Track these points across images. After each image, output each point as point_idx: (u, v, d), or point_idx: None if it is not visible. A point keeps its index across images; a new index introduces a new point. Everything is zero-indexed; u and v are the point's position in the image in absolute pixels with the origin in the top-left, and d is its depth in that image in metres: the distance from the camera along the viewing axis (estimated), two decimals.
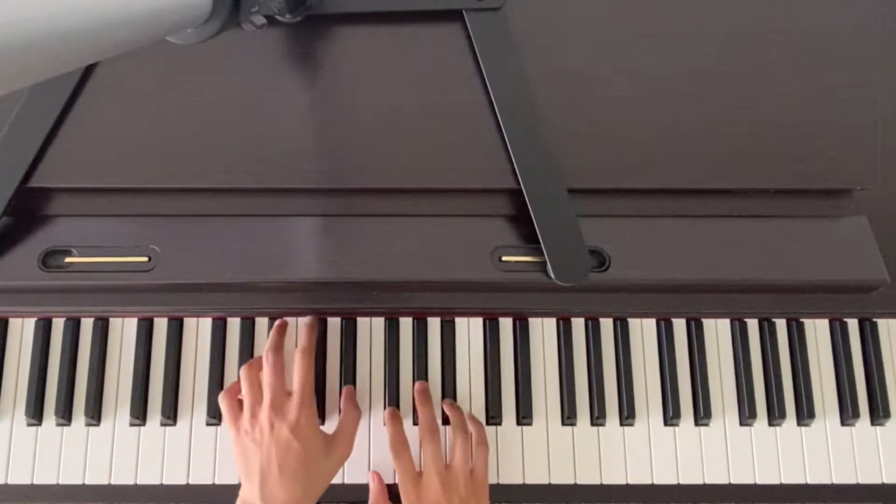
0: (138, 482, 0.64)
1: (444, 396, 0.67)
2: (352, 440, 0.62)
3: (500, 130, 0.60)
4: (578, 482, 0.66)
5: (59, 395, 0.65)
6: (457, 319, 0.69)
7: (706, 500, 0.66)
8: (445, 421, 0.66)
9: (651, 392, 0.68)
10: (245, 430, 0.59)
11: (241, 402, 0.62)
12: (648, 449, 0.67)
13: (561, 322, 0.69)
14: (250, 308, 0.66)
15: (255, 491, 0.56)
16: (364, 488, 0.65)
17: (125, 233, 0.61)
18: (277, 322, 0.66)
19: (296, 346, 0.63)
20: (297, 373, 0.61)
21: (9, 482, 0.64)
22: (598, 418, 0.67)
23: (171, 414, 0.65)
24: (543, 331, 0.69)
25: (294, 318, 0.68)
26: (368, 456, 0.66)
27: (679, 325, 0.69)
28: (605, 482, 0.66)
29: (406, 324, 0.68)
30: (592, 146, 0.61)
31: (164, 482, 0.64)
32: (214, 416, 0.65)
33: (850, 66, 0.62)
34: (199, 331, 0.68)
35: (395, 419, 0.65)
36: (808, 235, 0.63)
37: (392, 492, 0.64)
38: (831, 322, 0.70)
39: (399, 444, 0.63)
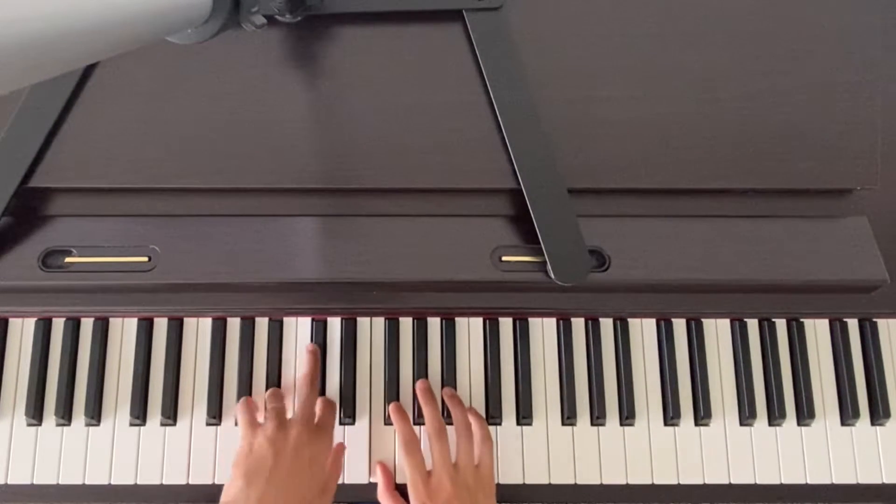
0: (138, 482, 0.64)
1: None
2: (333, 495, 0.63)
3: (500, 130, 0.60)
4: (578, 482, 0.66)
5: (59, 395, 0.65)
6: (457, 319, 0.68)
7: (706, 500, 0.66)
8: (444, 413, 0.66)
9: (651, 392, 0.68)
10: (266, 433, 0.59)
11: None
12: (648, 449, 0.67)
13: (561, 322, 0.69)
14: (250, 308, 0.66)
15: (250, 491, 0.56)
16: (364, 488, 0.65)
17: (125, 233, 0.61)
18: (310, 348, 0.67)
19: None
20: (323, 413, 0.64)
21: (9, 482, 0.64)
22: (598, 418, 0.67)
23: (171, 414, 0.65)
24: (543, 331, 0.69)
25: (294, 318, 0.68)
26: (368, 456, 0.66)
27: (679, 325, 0.69)
28: (605, 482, 0.66)
29: (406, 324, 0.68)
30: (592, 146, 0.61)
31: (164, 482, 0.64)
32: (214, 416, 0.65)
33: (850, 66, 0.62)
34: (199, 331, 0.67)
35: (404, 417, 0.65)
36: (808, 235, 0.63)
37: (399, 491, 0.64)
38: (831, 322, 0.70)
39: (411, 443, 0.63)
